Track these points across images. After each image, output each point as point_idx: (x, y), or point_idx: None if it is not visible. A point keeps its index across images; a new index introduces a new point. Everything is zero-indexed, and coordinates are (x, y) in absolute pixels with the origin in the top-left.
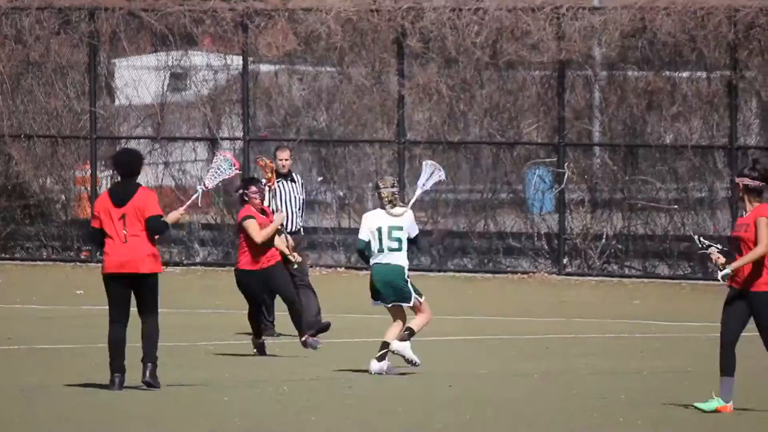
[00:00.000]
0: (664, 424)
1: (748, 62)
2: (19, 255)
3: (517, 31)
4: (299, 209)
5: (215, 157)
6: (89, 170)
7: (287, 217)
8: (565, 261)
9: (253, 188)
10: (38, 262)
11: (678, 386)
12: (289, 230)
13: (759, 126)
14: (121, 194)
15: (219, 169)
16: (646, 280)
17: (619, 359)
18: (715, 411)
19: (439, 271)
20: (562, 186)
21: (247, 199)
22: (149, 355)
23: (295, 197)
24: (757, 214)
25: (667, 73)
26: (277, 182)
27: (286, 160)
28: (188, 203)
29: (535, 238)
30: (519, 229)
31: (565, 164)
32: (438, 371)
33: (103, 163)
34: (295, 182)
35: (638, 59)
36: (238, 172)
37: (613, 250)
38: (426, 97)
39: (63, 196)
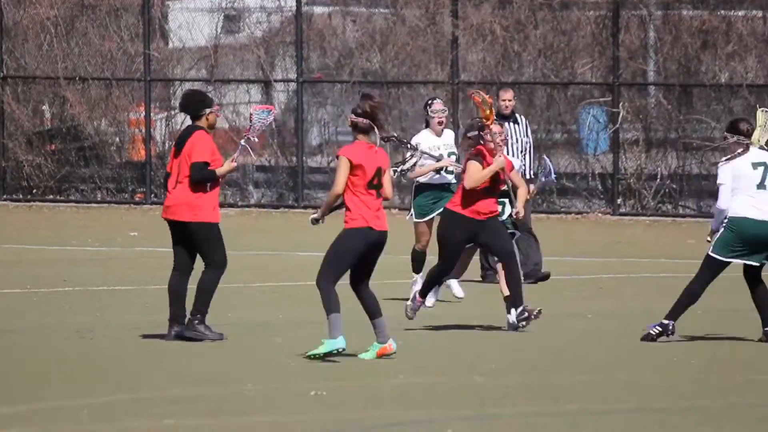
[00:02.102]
0: (717, 362)
1: None
2: (74, 197)
3: None
4: (523, 153)
5: (252, 114)
6: (143, 112)
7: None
8: (619, 201)
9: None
10: (93, 205)
11: (730, 324)
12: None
13: None
14: (180, 138)
15: (258, 122)
16: (701, 219)
17: (674, 299)
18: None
19: None
20: (617, 126)
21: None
22: (193, 307)
23: (519, 140)
24: None
25: (722, 12)
26: (499, 124)
27: (510, 100)
28: (236, 155)
29: (590, 179)
30: (573, 170)
31: (620, 104)
32: (497, 312)
33: (157, 105)
34: (518, 124)
35: None
36: (274, 112)
37: (667, 190)
38: (480, 37)
39: (117, 139)
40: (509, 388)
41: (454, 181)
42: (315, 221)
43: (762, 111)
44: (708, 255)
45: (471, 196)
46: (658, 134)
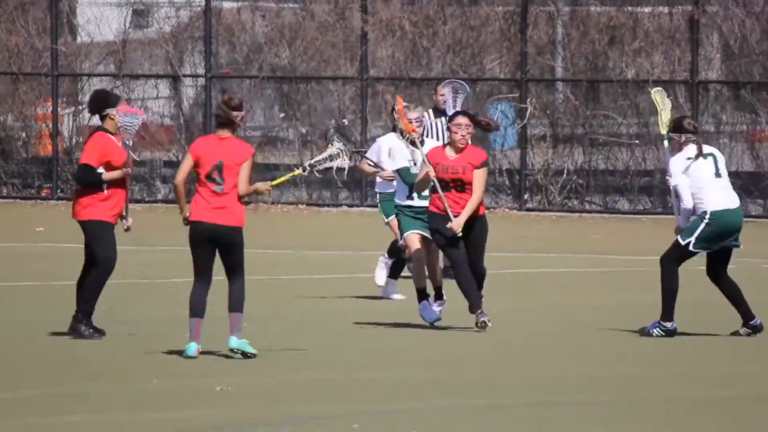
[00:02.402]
0: (633, 355)
1: None
2: None
3: None
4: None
5: (116, 117)
6: (50, 107)
7: None
8: (526, 197)
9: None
10: None
11: (638, 319)
12: None
13: (720, 61)
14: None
15: (125, 126)
16: (606, 215)
17: (579, 294)
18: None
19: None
20: (524, 121)
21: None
22: (77, 305)
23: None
24: None
25: (629, 8)
26: (435, 117)
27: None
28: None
29: (497, 174)
30: None
31: (528, 100)
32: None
33: (64, 100)
34: None
35: None
36: (142, 117)
37: (573, 186)
38: (389, 33)
39: (24, 134)
40: (419, 383)
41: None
42: (185, 219)
43: (656, 91)
44: (685, 248)
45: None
46: (565, 130)
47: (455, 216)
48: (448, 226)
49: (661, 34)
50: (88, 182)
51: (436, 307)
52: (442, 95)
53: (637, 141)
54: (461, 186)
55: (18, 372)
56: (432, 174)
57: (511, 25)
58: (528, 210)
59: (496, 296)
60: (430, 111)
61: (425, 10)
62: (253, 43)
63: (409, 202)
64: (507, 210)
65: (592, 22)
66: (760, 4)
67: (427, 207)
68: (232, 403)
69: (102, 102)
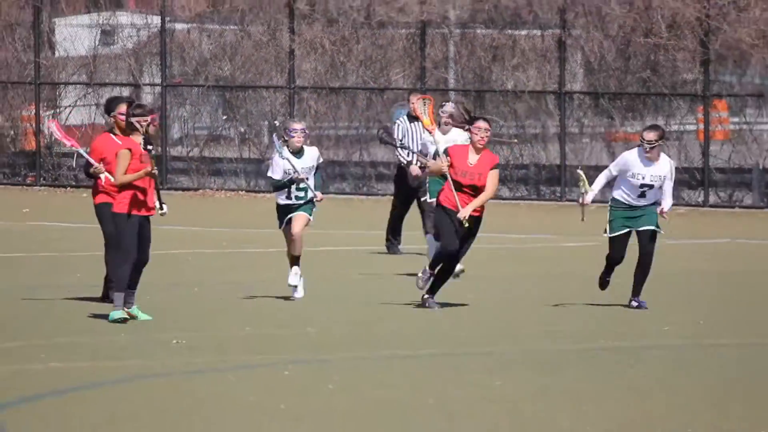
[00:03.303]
0: (521, 321)
1: (575, 23)
2: None
3: None
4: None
5: (49, 126)
6: (34, 110)
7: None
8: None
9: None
10: None
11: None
12: (422, 164)
13: (583, 75)
14: None
15: (55, 133)
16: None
17: (479, 267)
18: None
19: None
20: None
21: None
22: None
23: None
24: None
25: (509, 31)
26: (410, 123)
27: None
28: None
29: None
30: (388, 159)
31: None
32: (320, 275)
33: (45, 104)
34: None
35: (485, 20)
36: (54, 128)
37: None
38: (312, 50)
39: (12, 132)
40: (341, 338)
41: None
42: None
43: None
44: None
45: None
46: None
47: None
48: (462, 215)
49: (535, 52)
50: (85, 173)
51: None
52: (413, 103)
53: (516, 140)
54: (475, 190)
55: (5, 327)
56: (445, 170)
57: (412, 44)
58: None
59: (398, 264)
60: (406, 117)
61: (342, 31)
62: (201, 57)
63: (288, 202)
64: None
65: (478, 42)
66: (615, 28)
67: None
68: (186, 353)
69: (106, 107)
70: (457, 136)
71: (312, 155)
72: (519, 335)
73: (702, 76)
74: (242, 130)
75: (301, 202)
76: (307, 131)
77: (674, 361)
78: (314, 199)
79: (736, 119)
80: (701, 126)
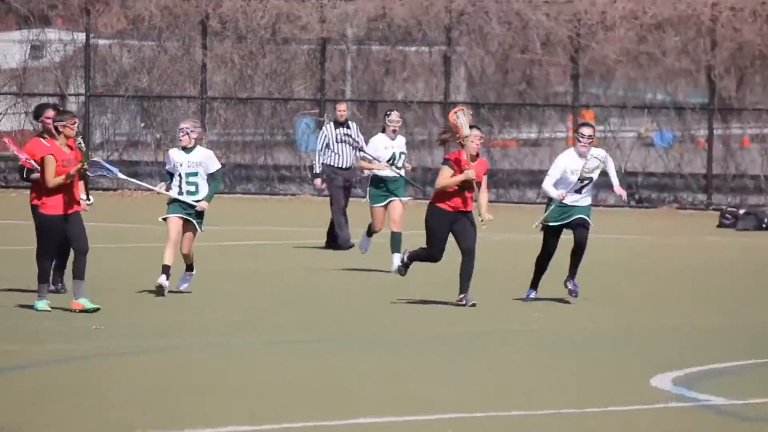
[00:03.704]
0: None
1: (459, 40)
2: None
3: (291, 16)
4: (354, 150)
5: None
6: None
7: (343, 155)
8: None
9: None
10: None
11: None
12: (346, 166)
13: (465, 87)
14: None
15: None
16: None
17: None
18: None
19: (230, 193)
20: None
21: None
22: None
23: (352, 141)
24: None
25: (400, 47)
26: (335, 129)
27: (344, 111)
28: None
29: (302, 169)
30: (290, 163)
31: (325, 114)
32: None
33: None
34: (350, 129)
35: (379, 37)
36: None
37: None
38: (222, 64)
39: None
40: (238, 323)
41: (403, 174)
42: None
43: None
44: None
45: (444, 193)
46: None
47: (466, 211)
48: (485, 218)
49: (423, 67)
50: (25, 178)
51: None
52: (340, 111)
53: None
54: (472, 189)
55: None
56: (472, 176)
57: (313, 59)
58: (326, 196)
59: (309, 258)
60: (332, 123)
61: (250, 47)
62: (121, 70)
63: (178, 197)
64: (309, 195)
65: (373, 58)
66: (495, 46)
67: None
68: (106, 337)
69: (34, 113)
70: (404, 142)
71: (204, 155)
72: (404, 321)
73: (572, 89)
74: (158, 136)
75: (194, 198)
76: (193, 129)
77: (542, 343)
78: (196, 207)
79: (601, 127)
80: (570, 134)
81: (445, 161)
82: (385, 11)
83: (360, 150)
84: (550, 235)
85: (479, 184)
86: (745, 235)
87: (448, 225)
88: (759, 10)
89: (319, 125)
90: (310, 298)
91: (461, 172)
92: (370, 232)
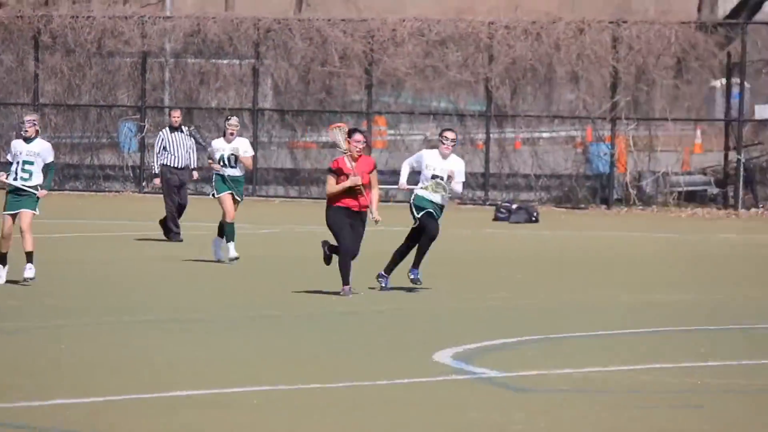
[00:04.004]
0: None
1: (266, 54)
2: None
3: (115, 31)
4: (187, 152)
5: None
6: None
7: (178, 156)
8: (143, 183)
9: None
10: None
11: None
12: (181, 166)
13: (272, 96)
14: None
15: None
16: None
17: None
18: None
19: (59, 190)
20: (143, 134)
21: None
22: None
23: (183, 144)
24: None
25: (214, 60)
26: (171, 133)
27: (178, 117)
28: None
29: (125, 169)
30: (114, 163)
31: (146, 119)
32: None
33: None
34: (182, 132)
35: (195, 51)
36: None
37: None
38: (53, 75)
39: None
40: (73, 307)
41: (239, 173)
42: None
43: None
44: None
45: (336, 196)
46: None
47: (363, 210)
48: (375, 218)
49: (234, 77)
50: None
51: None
52: (174, 117)
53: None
54: (358, 189)
55: None
56: (359, 181)
57: (134, 70)
58: (146, 193)
59: (154, 249)
60: (167, 128)
61: (78, 59)
62: None
63: (11, 182)
64: (131, 192)
65: (189, 69)
66: (298, 59)
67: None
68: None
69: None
70: (239, 145)
71: (43, 146)
72: (242, 304)
73: (366, 97)
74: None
75: (26, 184)
76: (36, 123)
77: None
78: (36, 194)
79: (392, 131)
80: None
81: (329, 170)
82: (199, 27)
83: (206, 150)
84: (422, 224)
85: (366, 186)
86: (517, 227)
87: (347, 218)
88: (530, 29)
89: (141, 129)
90: (138, 284)
91: (347, 177)
92: (221, 230)
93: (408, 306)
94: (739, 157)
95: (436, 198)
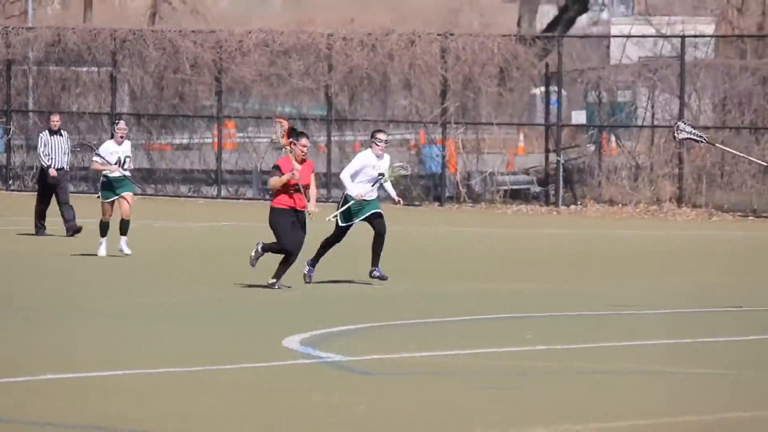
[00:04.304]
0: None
1: (123, 62)
2: None
3: None
4: (64, 154)
5: None
6: None
7: (56, 158)
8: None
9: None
10: None
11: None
12: (58, 167)
13: (128, 101)
14: None
15: None
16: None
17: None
18: None
19: None
20: (9, 136)
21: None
22: None
23: (62, 146)
24: None
25: (74, 68)
26: (51, 136)
27: (57, 121)
28: None
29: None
30: (16, 164)
31: (11, 122)
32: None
33: None
34: (62, 136)
35: (56, 59)
36: None
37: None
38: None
39: None
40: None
41: (128, 174)
42: None
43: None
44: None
45: (278, 196)
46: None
47: (299, 210)
48: (310, 210)
49: (93, 84)
50: None
51: None
52: (55, 121)
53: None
54: (300, 189)
55: None
56: (297, 177)
57: None
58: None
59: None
60: (47, 131)
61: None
62: None
63: None
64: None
65: (51, 76)
66: (152, 67)
67: None
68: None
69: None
70: (127, 147)
71: None
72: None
73: (216, 103)
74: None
75: None
76: None
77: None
78: None
79: (241, 134)
80: (216, 139)
81: (275, 167)
82: (60, 37)
83: (96, 153)
84: (346, 228)
85: (307, 186)
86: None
87: (289, 218)
88: (366, 40)
89: (6, 132)
90: (24, 276)
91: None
92: (103, 227)
93: (262, 296)
94: (558, 158)
95: (397, 174)
